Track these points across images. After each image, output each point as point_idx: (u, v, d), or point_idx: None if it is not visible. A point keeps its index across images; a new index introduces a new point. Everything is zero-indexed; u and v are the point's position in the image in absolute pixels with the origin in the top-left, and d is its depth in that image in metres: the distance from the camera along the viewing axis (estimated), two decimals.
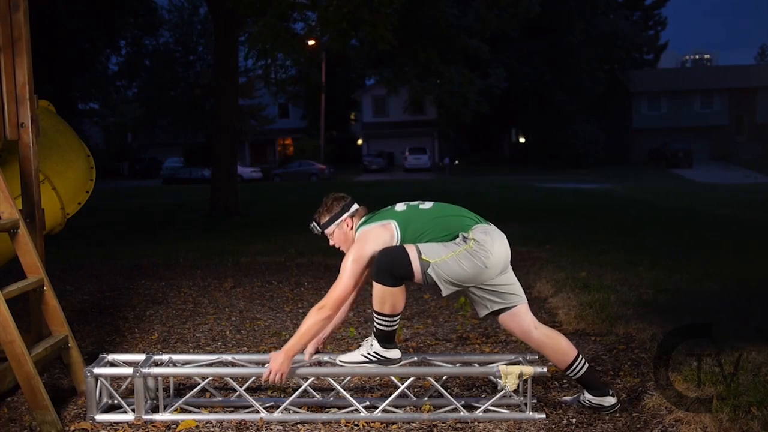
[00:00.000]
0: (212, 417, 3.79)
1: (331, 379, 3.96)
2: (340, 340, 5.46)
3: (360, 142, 59.12)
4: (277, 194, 28.43)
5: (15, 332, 3.63)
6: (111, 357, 4.08)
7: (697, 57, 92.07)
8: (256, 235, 12.64)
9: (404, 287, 3.71)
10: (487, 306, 3.85)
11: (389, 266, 3.62)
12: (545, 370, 3.83)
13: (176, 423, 3.73)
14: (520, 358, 4.03)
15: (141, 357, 4.04)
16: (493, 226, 3.81)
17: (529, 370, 3.77)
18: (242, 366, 4.13)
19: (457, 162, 52.66)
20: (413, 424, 3.72)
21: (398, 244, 3.70)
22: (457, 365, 4.12)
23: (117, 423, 3.74)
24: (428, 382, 4.01)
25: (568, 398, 4.04)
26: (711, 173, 41.71)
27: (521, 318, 3.88)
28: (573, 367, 3.85)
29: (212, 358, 4.23)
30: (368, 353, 3.86)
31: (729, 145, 52.34)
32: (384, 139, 56.21)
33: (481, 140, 55.89)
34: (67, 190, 5.22)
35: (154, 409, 3.84)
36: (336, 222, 3.90)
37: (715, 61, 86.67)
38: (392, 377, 4.03)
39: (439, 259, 3.63)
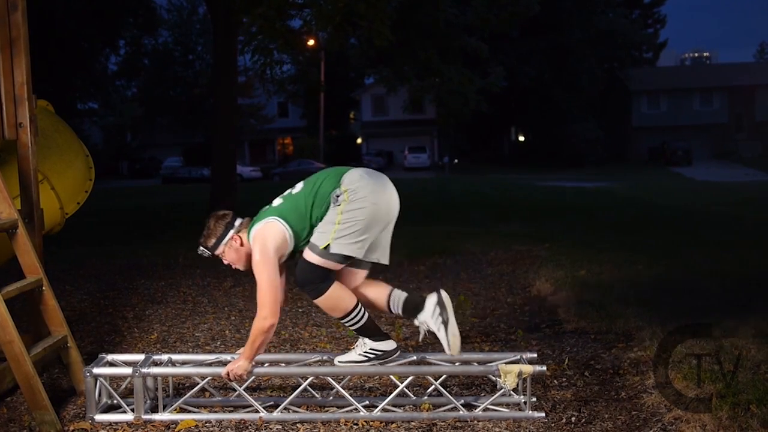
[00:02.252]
0: (212, 416, 3.79)
1: (330, 379, 3.96)
2: (339, 339, 5.46)
3: (359, 141, 59.10)
4: (277, 193, 28.35)
5: (14, 332, 3.63)
6: (110, 357, 4.08)
7: (696, 55, 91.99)
8: None
9: (339, 287, 3.78)
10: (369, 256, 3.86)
11: (307, 279, 3.74)
12: (544, 368, 3.83)
13: (175, 423, 3.73)
14: (520, 357, 4.03)
15: (140, 357, 4.03)
16: (370, 171, 3.84)
17: (528, 368, 3.77)
18: None
19: (456, 161, 52.66)
20: (412, 423, 3.73)
21: (290, 235, 3.73)
22: (457, 364, 4.11)
23: (116, 423, 3.74)
24: (427, 381, 4.00)
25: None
26: (710, 171, 41.71)
27: (357, 278, 3.97)
28: (391, 302, 3.97)
29: (211, 357, 4.23)
30: (364, 351, 3.87)
31: (728, 143, 52.36)
32: (383, 138, 56.20)
33: (481, 139, 55.85)
34: (66, 189, 5.21)
35: (154, 409, 3.84)
36: (223, 242, 3.88)
37: (715, 59, 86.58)
38: (391, 376, 4.03)
39: (330, 238, 3.67)
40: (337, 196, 3.68)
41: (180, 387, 4.29)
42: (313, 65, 45.14)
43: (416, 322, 3.99)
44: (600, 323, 5.54)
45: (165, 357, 4.11)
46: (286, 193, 3.91)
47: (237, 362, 3.78)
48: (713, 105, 54.17)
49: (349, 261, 3.76)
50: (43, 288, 4.13)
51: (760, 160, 46.77)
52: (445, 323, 3.89)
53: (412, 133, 54.20)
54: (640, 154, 52.12)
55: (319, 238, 3.70)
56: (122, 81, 50.76)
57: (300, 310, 6.49)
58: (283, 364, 4.19)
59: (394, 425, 3.70)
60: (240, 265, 3.94)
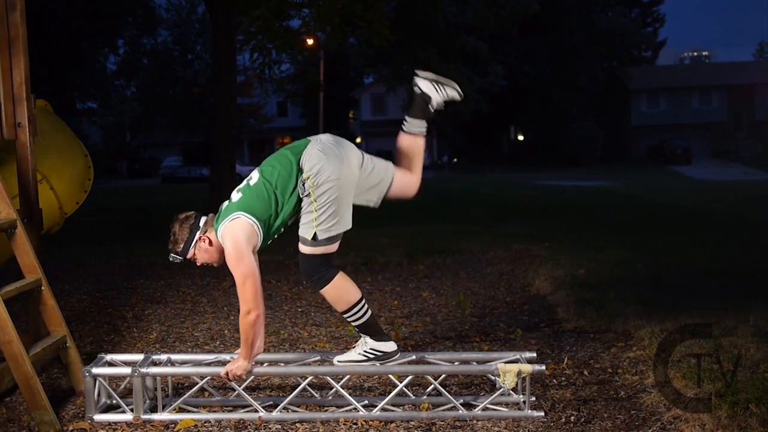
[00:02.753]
0: (211, 416, 3.79)
1: (329, 378, 3.96)
2: (339, 338, 5.46)
3: (359, 140, 59.09)
4: None
5: (13, 332, 3.63)
6: (109, 357, 4.08)
7: (695, 54, 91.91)
8: None
9: (344, 278, 3.83)
10: (375, 198, 3.96)
11: (309, 269, 3.80)
12: (543, 368, 3.83)
13: (175, 422, 3.73)
14: (519, 357, 4.03)
15: (139, 357, 4.03)
16: (320, 143, 3.83)
17: (527, 368, 3.77)
18: None
19: (456, 160, 52.64)
20: (412, 423, 3.72)
21: (258, 227, 3.71)
22: (456, 363, 4.12)
23: (115, 423, 3.74)
24: (427, 380, 4.00)
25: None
26: (710, 170, 41.68)
27: (402, 180, 4.03)
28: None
29: (211, 357, 4.22)
30: (365, 351, 3.88)
31: (728, 141, 52.31)
32: (383, 137, 56.06)
33: (480, 138, 55.82)
34: (65, 189, 5.21)
35: (153, 409, 3.84)
36: (192, 245, 3.84)
37: (714, 58, 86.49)
38: (391, 376, 4.03)
39: (314, 227, 3.72)
40: (303, 185, 3.70)
41: (179, 387, 4.29)
42: (312, 65, 45.11)
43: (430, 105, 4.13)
44: (599, 322, 5.54)
45: (164, 357, 4.11)
46: (242, 185, 3.89)
47: (236, 362, 3.78)
48: (713, 104, 54.14)
49: (338, 238, 3.80)
50: (42, 288, 4.13)
51: (760, 158, 46.75)
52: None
53: None
54: (639, 152, 52.08)
55: (304, 230, 3.75)
56: (121, 80, 50.76)
57: (299, 309, 6.49)
58: (282, 364, 4.18)
59: (393, 425, 3.70)
60: (215, 263, 3.90)
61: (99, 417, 3.76)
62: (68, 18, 26.10)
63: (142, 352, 4.52)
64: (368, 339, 3.90)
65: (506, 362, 3.92)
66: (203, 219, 3.89)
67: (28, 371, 3.64)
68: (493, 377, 3.91)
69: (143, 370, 3.76)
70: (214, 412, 3.89)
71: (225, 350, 5.17)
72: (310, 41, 22.90)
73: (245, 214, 3.71)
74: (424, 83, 4.04)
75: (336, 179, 3.69)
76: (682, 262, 8.19)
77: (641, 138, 52.61)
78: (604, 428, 3.63)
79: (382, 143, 55.68)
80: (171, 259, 3.91)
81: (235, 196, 3.84)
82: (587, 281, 7.03)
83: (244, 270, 3.67)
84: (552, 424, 3.70)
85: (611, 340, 5.10)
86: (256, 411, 3.81)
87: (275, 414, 3.79)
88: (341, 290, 3.82)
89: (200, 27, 54.67)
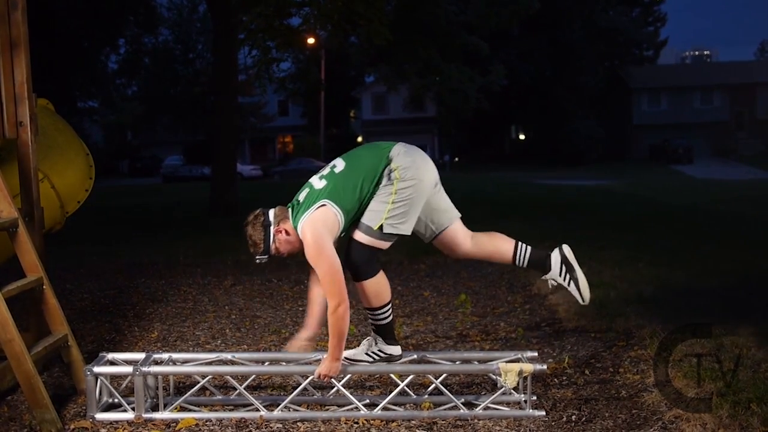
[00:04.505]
0: (212, 415, 3.79)
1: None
2: None
3: (360, 139, 59.06)
4: (277, 192, 28.41)
5: (14, 331, 3.63)
6: (111, 356, 4.08)
7: (696, 53, 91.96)
8: None
9: (384, 275, 3.79)
10: (432, 228, 3.94)
11: (356, 260, 3.72)
12: (545, 367, 3.83)
13: (176, 421, 3.73)
14: (520, 356, 4.03)
15: (141, 355, 4.03)
16: (408, 145, 3.87)
17: (528, 367, 3.77)
18: (242, 364, 4.12)
19: (457, 159, 52.65)
20: (413, 422, 3.73)
21: (341, 217, 3.69)
22: (457, 363, 4.12)
23: (117, 421, 3.74)
24: (428, 379, 4.01)
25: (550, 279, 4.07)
26: (711, 169, 41.67)
27: (457, 233, 3.98)
28: (518, 258, 4.00)
29: (212, 356, 4.22)
30: (373, 351, 3.89)
31: (729, 141, 52.29)
32: (384, 136, 55.82)
33: (482, 137, 55.78)
34: (66, 188, 5.22)
35: (154, 408, 3.84)
36: (271, 240, 3.82)
37: (715, 57, 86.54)
38: (392, 375, 4.03)
39: (383, 218, 3.69)
40: (389, 174, 3.69)
41: (180, 386, 4.29)
42: (313, 63, 45.11)
43: (544, 278, 4.05)
44: (600, 322, 5.54)
45: (165, 356, 4.11)
46: (326, 172, 3.85)
47: (325, 363, 3.74)
48: (714, 103, 54.11)
49: (395, 239, 3.77)
50: (44, 287, 4.13)
51: (761, 158, 46.71)
52: (574, 279, 3.97)
53: (412, 131, 54.09)
54: (640, 152, 52.06)
55: (371, 218, 3.70)
56: (123, 79, 50.75)
57: (301, 308, 6.49)
58: (284, 363, 4.18)
59: (394, 424, 3.71)
60: (295, 252, 3.87)
61: (100, 416, 3.77)
62: (70, 17, 26.12)
63: (143, 351, 4.52)
64: (379, 340, 3.89)
65: (507, 361, 3.92)
66: (272, 212, 3.86)
67: (29, 370, 3.64)
68: (494, 376, 3.91)
69: (144, 369, 3.76)
70: (216, 411, 3.89)
71: (226, 349, 5.18)
72: (311, 40, 22.89)
73: (331, 202, 3.69)
74: (557, 259, 4.01)
75: (420, 180, 3.71)
76: (683, 261, 8.18)
77: (642, 137, 52.59)
78: (605, 427, 3.63)
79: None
80: (258, 261, 3.89)
81: (318, 183, 3.80)
82: (588, 280, 6.99)
83: (327, 263, 3.63)
84: (553, 423, 3.70)
85: (612, 339, 5.10)
86: (257, 410, 3.81)
87: (276, 413, 3.79)
88: (379, 287, 3.78)
89: (201, 26, 54.69)
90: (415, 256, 9.33)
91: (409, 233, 3.80)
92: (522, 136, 60.92)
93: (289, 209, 3.85)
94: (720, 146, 52.03)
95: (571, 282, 4.00)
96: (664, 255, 8.58)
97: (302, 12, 17.33)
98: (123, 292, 7.29)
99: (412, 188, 3.69)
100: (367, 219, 3.71)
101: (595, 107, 51.88)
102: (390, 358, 3.90)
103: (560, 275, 3.99)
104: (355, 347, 4.01)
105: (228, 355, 4.20)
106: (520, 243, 4.03)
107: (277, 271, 8.44)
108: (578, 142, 48.39)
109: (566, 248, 4.03)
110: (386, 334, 3.89)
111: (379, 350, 3.88)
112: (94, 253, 10.21)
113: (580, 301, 4.01)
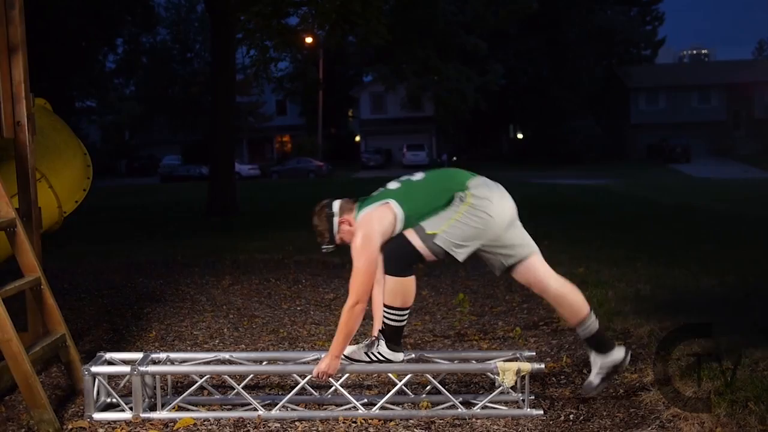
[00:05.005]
0: (210, 415, 3.79)
1: None
2: None
3: (358, 138, 59.07)
4: (275, 192, 28.42)
5: (12, 331, 3.62)
6: (108, 355, 4.07)
7: (694, 52, 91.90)
8: (254, 232, 12.63)
9: (414, 282, 3.73)
10: (503, 262, 3.85)
11: (396, 255, 3.67)
12: (542, 366, 3.83)
13: (174, 421, 3.73)
14: (518, 355, 4.03)
15: (138, 355, 4.03)
16: (490, 181, 3.84)
17: (526, 366, 3.77)
18: (240, 364, 4.12)
19: (455, 158, 52.61)
20: (411, 421, 3.73)
21: (401, 220, 3.69)
22: (455, 362, 4.12)
23: (115, 421, 3.74)
24: (426, 378, 4.01)
25: (595, 381, 3.92)
26: (709, 168, 41.69)
27: (536, 269, 3.89)
28: (584, 324, 3.85)
29: (210, 356, 4.22)
30: (373, 353, 3.85)
31: (727, 140, 52.33)
32: (382, 135, 56.15)
33: (480, 136, 55.83)
34: (64, 188, 5.21)
35: (152, 408, 3.84)
36: (336, 230, 3.87)
37: (713, 57, 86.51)
38: (390, 374, 4.03)
39: (441, 229, 3.66)
40: (462, 198, 3.68)
41: (178, 385, 4.29)
42: (311, 63, 45.10)
43: (590, 353, 3.91)
44: (598, 321, 5.53)
45: (163, 355, 4.10)
46: (404, 178, 3.89)
47: (325, 361, 3.74)
48: (711, 102, 54.14)
49: (442, 257, 3.73)
50: (42, 286, 4.13)
51: (759, 157, 46.74)
52: (605, 377, 3.86)
53: (410, 130, 54.16)
54: (638, 151, 52.08)
55: (431, 224, 3.69)
56: (120, 79, 50.83)
57: (298, 308, 6.49)
58: (282, 363, 4.18)
59: (392, 423, 3.70)
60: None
61: (98, 415, 3.76)
62: (67, 17, 26.09)
63: (141, 351, 4.52)
64: (382, 343, 3.84)
65: (505, 361, 3.92)
66: (336, 204, 3.90)
67: (27, 370, 3.63)
68: (492, 375, 3.91)
69: (142, 368, 3.76)
70: (214, 410, 3.89)
71: (224, 349, 5.18)
72: (308, 39, 22.89)
73: (396, 203, 3.70)
74: (619, 356, 3.88)
75: (490, 216, 3.67)
76: (681, 259, 8.18)
77: (640, 136, 52.62)
78: (603, 426, 3.63)
79: (381, 142, 55.76)
80: (324, 250, 3.95)
81: (392, 185, 3.85)
82: (586, 279, 7.02)
83: (366, 260, 3.65)
84: (551, 422, 3.71)
85: (610, 338, 5.09)
86: (255, 409, 3.81)
87: (274, 412, 3.79)
88: (406, 289, 3.72)
89: (199, 25, 54.72)
90: None
91: (460, 260, 3.74)
92: (520, 136, 60.95)
93: (357, 203, 3.88)
94: (717, 145, 52.05)
95: (601, 376, 3.86)
96: (661, 254, 8.59)
97: (300, 11, 17.35)
98: (121, 292, 7.28)
99: (480, 220, 3.65)
100: (425, 223, 3.70)
101: (593, 107, 51.93)
102: (389, 363, 3.86)
103: (603, 366, 3.84)
104: (352, 344, 3.99)
105: (226, 355, 4.20)
106: (592, 312, 3.93)
107: (275, 270, 8.44)
108: (576, 141, 48.41)
109: (628, 357, 3.90)
110: (393, 337, 3.84)
111: (380, 353, 3.84)
112: (91, 253, 10.20)
113: (586, 385, 3.89)
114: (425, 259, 3.73)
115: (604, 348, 3.86)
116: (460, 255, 3.70)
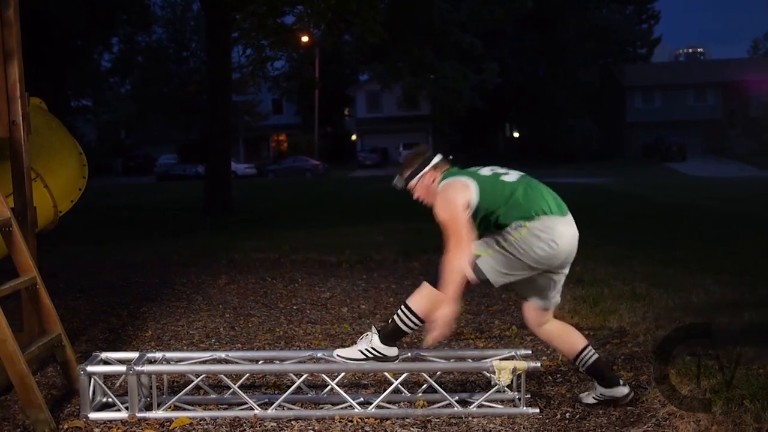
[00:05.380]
0: (206, 414, 3.78)
1: (324, 376, 3.95)
2: (334, 336, 5.46)
3: (354, 137, 59.06)
4: (272, 190, 28.41)
5: (7, 331, 3.62)
6: (104, 355, 4.06)
7: (690, 51, 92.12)
8: (250, 231, 12.63)
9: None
10: (526, 294, 3.83)
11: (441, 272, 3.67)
12: (539, 365, 3.83)
13: (170, 420, 3.72)
14: (514, 354, 4.03)
15: (134, 355, 4.02)
16: (565, 219, 3.67)
17: (522, 365, 3.77)
18: (236, 363, 4.12)
19: (451, 157, 52.41)
20: (407, 420, 3.72)
21: (473, 205, 3.63)
22: (451, 361, 4.12)
23: (111, 421, 3.73)
24: (422, 377, 4.01)
25: (585, 399, 3.92)
26: (705, 167, 41.76)
27: (541, 314, 3.86)
28: (580, 357, 3.82)
29: (206, 355, 4.21)
30: (366, 349, 3.83)
31: (722, 138, 52.44)
32: (378, 134, 56.17)
33: (476, 135, 55.85)
34: (59, 187, 5.20)
35: (148, 407, 3.84)
36: (418, 176, 3.84)
37: (708, 55, 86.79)
38: (386, 373, 4.03)
39: (486, 253, 3.64)
40: (525, 226, 3.57)
41: (174, 385, 4.28)
42: (307, 62, 45.10)
43: (598, 389, 3.85)
44: (594, 319, 5.54)
45: (159, 355, 4.10)
46: (498, 170, 3.83)
47: (445, 307, 3.64)
48: (707, 101, 54.26)
49: (483, 282, 3.68)
50: (37, 286, 4.12)
51: (754, 155, 46.86)
52: (599, 403, 3.83)
53: (406, 129, 54.16)
54: (634, 149, 52.16)
55: (478, 245, 3.66)
56: (116, 78, 50.72)
57: (294, 307, 6.49)
58: (278, 362, 4.18)
59: (388, 422, 3.70)
60: (427, 201, 3.87)
61: (94, 415, 3.76)
62: (63, 15, 26.04)
63: (137, 350, 4.51)
64: (375, 338, 3.80)
65: (501, 359, 3.92)
66: (438, 158, 3.88)
67: (22, 370, 3.63)
68: (488, 374, 3.91)
69: (138, 368, 3.75)
70: (210, 410, 3.89)
71: (220, 348, 5.18)
72: (305, 38, 22.86)
73: (476, 188, 3.64)
74: (621, 392, 3.80)
75: (545, 258, 3.58)
76: (677, 258, 8.20)
77: (636, 135, 52.70)
78: (599, 425, 3.63)
79: (377, 140, 55.78)
80: (394, 182, 3.93)
81: (485, 171, 3.80)
82: (582, 278, 7.03)
83: (453, 213, 3.59)
84: (547, 420, 3.71)
85: (606, 336, 5.11)
86: (251, 409, 3.80)
87: (270, 412, 3.78)
88: (436, 303, 3.68)
89: (195, 24, 54.64)
90: (410, 254, 9.34)
91: (496, 286, 3.71)
92: (516, 134, 60.99)
93: (450, 168, 3.87)
94: (713, 144, 52.17)
95: (592, 401, 3.84)
96: (657, 252, 8.60)
97: (296, 10, 17.34)
98: (117, 291, 7.27)
99: (529, 255, 3.57)
100: (476, 245, 3.66)
101: (589, 105, 51.98)
102: (385, 359, 3.83)
103: (598, 397, 3.81)
104: (349, 346, 3.99)
105: (222, 354, 4.19)
106: (589, 346, 3.88)
107: (271, 269, 8.44)
108: (572, 140, 48.46)
109: (629, 397, 3.80)
110: (390, 336, 3.80)
111: (373, 348, 3.81)
112: (87, 252, 10.19)
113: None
114: (471, 282, 3.66)
115: (609, 380, 3.82)
116: (497, 281, 3.66)
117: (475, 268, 3.64)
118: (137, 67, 53.65)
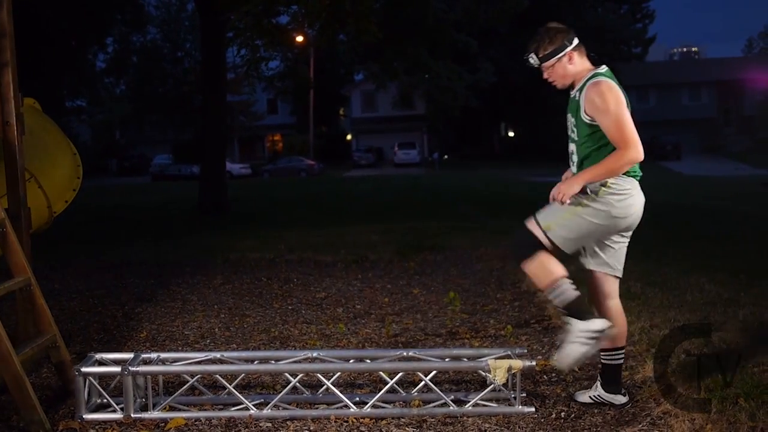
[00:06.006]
0: (201, 415, 3.78)
1: (320, 376, 3.95)
2: (329, 336, 5.45)
3: (349, 137, 59.07)
4: (267, 190, 28.39)
5: (1, 332, 3.61)
6: (99, 356, 4.05)
7: (684, 50, 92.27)
8: (245, 231, 12.62)
9: (546, 254, 3.61)
10: (590, 262, 3.83)
11: (520, 242, 3.66)
12: (534, 364, 3.84)
13: (165, 421, 3.72)
14: (509, 353, 4.03)
15: (129, 355, 4.02)
16: (638, 183, 3.67)
17: (517, 364, 3.78)
18: (231, 363, 4.11)
19: (446, 156, 52.72)
20: (403, 420, 3.72)
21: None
22: (447, 360, 4.12)
23: (106, 422, 3.73)
24: (417, 377, 4.01)
25: (580, 397, 3.91)
26: (699, 166, 41.87)
27: (607, 284, 3.87)
28: (611, 352, 3.78)
29: (201, 355, 4.21)
30: (577, 337, 3.61)
31: (717, 137, 52.62)
32: (373, 134, 56.20)
33: (471, 135, 55.93)
34: (53, 188, 5.19)
35: (143, 408, 3.83)
36: (558, 55, 3.74)
37: (703, 54, 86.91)
38: (381, 373, 4.03)
39: (555, 222, 3.61)
40: (596, 189, 3.56)
41: (170, 385, 4.27)
42: (302, 62, 45.07)
43: (567, 320, 3.73)
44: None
45: (154, 355, 4.09)
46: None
47: (569, 182, 3.63)
48: (702, 99, 54.43)
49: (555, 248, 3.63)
50: (31, 287, 4.11)
51: (748, 154, 46.98)
52: (592, 402, 3.79)
53: (401, 129, 54.22)
54: None
55: (546, 215, 3.65)
56: (111, 78, 50.66)
57: (289, 307, 6.49)
58: (273, 362, 4.18)
59: (384, 422, 3.70)
60: (560, 84, 3.84)
61: (89, 416, 3.75)
62: (57, 15, 25.99)
63: (132, 351, 4.50)
64: (574, 322, 3.61)
65: (497, 358, 3.92)
66: (577, 39, 3.78)
67: (16, 371, 3.62)
68: (483, 373, 3.91)
69: (133, 368, 3.75)
70: (205, 410, 3.88)
71: (215, 348, 5.17)
72: (299, 38, 22.86)
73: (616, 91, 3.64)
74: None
75: (614, 217, 3.59)
76: (671, 256, 8.21)
77: None
78: (594, 424, 3.64)
79: (372, 140, 55.80)
80: (527, 56, 3.83)
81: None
82: (577, 277, 7.02)
83: (615, 112, 3.58)
84: (542, 419, 3.71)
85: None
86: (246, 409, 3.80)
87: (266, 412, 3.78)
88: (541, 267, 3.62)
89: (190, 24, 54.60)
90: (405, 253, 9.34)
91: (569, 252, 3.67)
92: (511, 134, 61.06)
93: (600, 69, 3.79)
94: (708, 142, 52.30)
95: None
96: (652, 251, 8.61)
97: (290, 10, 17.33)
98: (111, 292, 7.26)
99: (602, 217, 3.57)
100: (543, 214, 3.66)
101: None
102: (600, 334, 3.58)
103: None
104: (344, 346, 3.98)
105: (217, 354, 4.19)
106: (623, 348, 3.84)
107: (266, 269, 8.43)
108: (567, 139, 48.46)
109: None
110: (577, 310, 3.63)
111: (582, 330, 3.58)
112: (82, 253, 10.17)
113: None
114: (544, 246, 3.61)
115: (611, 387, 3.79)
116: (568, 248, 3.65)
117: (548, 238, 3.59)
118: (132, 67, 53.63)
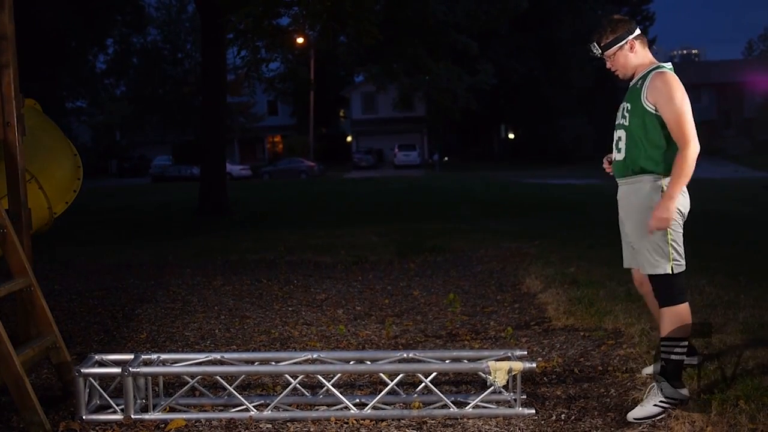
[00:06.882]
0: (202, 416, 3.78)
1: (320, 377, 3.95)
2: (329, 337, 5.46)
3: (349, 139, 59.06)
4: (267, 192, 28.39)
5: (2, 333, 3.61)
6: (99, 357, 4.05)
7: (684, 52, 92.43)
8: (245, 232, 12.62)
9: (688, 307, 3.67)
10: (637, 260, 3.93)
11: (666, 290, 3.67)
12: (534, 365, 3.84)
13: (165, 422, 3.72)
14: (510, 354, 4.03)
15: (130, 356, 4.02)
16: None
17: (518, 365, 3.78)
18: (232, 364, 4.12)
19: (446, 158, 52.70)
20: (403, 421, 3.73)
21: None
22: (447, 362, 4.12)
23: (106, 423, 3.73)
24: (418, 378, 4.01)
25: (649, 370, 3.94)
26: (699, 168, 41.18)
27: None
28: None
29: (201, 356, 4.21)
30: (661, 401, 3.58)
31: (717, 139, 52.55)
32: (373, 135, 56.20)
33: (471, 136, 55.90)
34: (54, 189, 5.19)
35: (144, 409, 3.83)
36: (620, 44, 3.79)
37: (703, 56, 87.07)
38: (381, 374, 4.03)
39: (671, 259, 3.68)
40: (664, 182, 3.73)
41: (170, 386, 4.27)
42: (302, 63, 45.08)
43: (654, 371, 3.75)
44: (589, 320, 5.55)
45: (155, 356, 4.09)
46: None
47: (661, 205, 3.66)
48: (702, 102, 54.38)
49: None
50: (32, 288, 4.11)
51: (748, 156, 46.96)
52: (655, 398, 3.66)
53: (401, 130, 54.20)
54: None
55: (656, 255, 3.74)
56: (111, 79, 50.65)
57: (290, 308, 6.49)
58: (273, 363, 4.18)
59: (384, 423, 3.70)
60: (621, 73, 3.90)
61: (89, 417, 3.75)
62: (57, 17, 25.99)
63: (132, 352, 4.50)
64: (666, 386, 3.57)
65: (497, 360, 3.92)
66: (639, 30, 3.83)
67: (17, 372, 3.62)
68: (483, 375, 3.91)
69: (133, 369, 3.75)
70: (205, 411, 3.88)
71: (216, 349, 5.17)
72: (300, 40, 22.88)
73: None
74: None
75: (685, 211, 3.81)
76: None
77: None
78: (594, 426, 3.64)
79: (372, 142, 55.79)
80: (591, 46, 3.88)
81: None
82: (577, 279, 7.04)
83: (678, 107, 3.71)
84: (543, 421, 3.71)
85: (602, 337, 5.12)
86: (247, 410, 3.80)
87: (266, 413, 3.78)
88: (675, 317, 3.61)
89: (190, 25, 54.62)
90: (405, 255, 9.34)
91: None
92: (511, 135, 61.06)
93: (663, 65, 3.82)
94: (708, 145, 52.01)
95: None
96: None
97: (291, 12, 17.34)
98: (112, 293, 7.26)
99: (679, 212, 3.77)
100: (655, 257, 3.72)
101: (584, 105, 52.03)
102: (679, 402, 3.58)
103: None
104: (344, 347, 3.98)
105: (217, 356, 4.19)
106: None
107: (266, 270, 8.43)
108: (567, 140, 48.53)
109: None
110: (676, 373, 3.61)
111: (668, 397, 3.56)
112: (82, 254, 10.17)
113: (631, 414, 3.63)
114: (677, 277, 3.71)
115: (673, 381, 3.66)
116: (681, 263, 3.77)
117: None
118: (132, 68, 53.63)
